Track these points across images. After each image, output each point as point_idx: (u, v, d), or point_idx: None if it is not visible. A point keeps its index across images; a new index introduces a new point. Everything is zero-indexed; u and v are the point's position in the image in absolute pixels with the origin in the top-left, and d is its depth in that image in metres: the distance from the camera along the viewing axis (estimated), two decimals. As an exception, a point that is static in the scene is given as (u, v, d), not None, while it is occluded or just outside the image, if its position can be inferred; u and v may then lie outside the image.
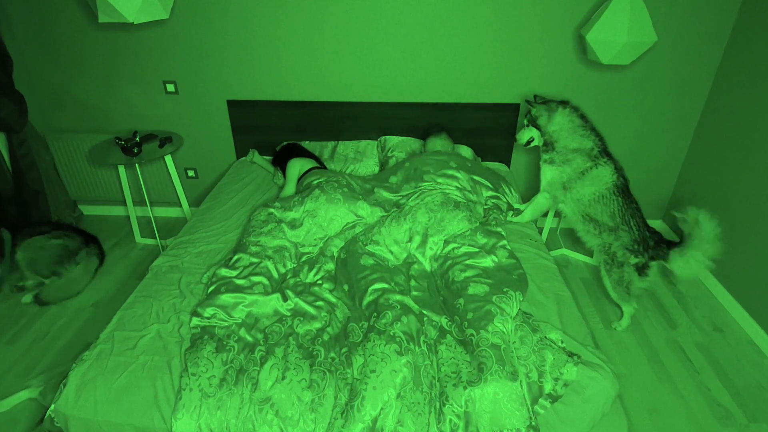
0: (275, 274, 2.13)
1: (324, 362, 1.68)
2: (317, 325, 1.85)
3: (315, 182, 2.61)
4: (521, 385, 1.59)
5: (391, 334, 1.70)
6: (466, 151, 3.08)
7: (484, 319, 1.75)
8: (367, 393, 1.55)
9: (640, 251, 2.37)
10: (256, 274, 2.07)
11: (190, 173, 3.54)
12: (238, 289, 1.97)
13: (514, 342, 1.73)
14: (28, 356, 2.44)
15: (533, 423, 1.53)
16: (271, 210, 2.43)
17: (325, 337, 1.79)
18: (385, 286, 1.95)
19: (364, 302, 1.91)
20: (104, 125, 3.37)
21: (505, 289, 1.89)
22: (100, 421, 1.60)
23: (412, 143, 3.15)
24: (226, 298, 1.91)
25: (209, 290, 2.01)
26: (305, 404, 1.57)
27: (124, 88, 3.22)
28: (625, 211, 2.38)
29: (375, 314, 1.81)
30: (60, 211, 3.43)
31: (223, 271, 2.09)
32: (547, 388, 1.63)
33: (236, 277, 2.06)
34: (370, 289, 1.93)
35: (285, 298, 1.95)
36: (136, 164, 3.06)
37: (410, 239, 2.31)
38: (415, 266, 2.22)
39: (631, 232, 2.38)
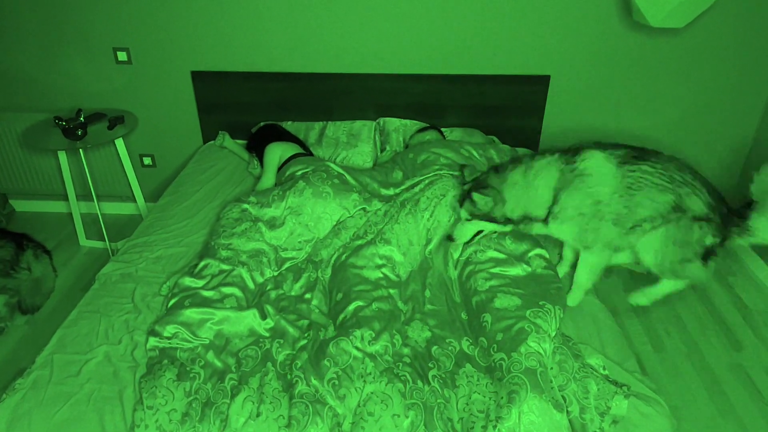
0: (251, 284, 2.12)
1: (306, 393, 1.66)
2: (299, 345, 1.85)
3: (299, 173, 2.60)
4: (566, 418, 1.58)
5: (395, 372, 1.70)
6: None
7: (516, 339, 1.74)
8: None
9: (715, 222, 2.06)
10: (227, 284, 2.06)
11: (147, 161, 3.52)
12: (206, 302, 1.96)
13: (551, 368, 1.72)
14: (-52, 385, 2.43)
15: None
16: (245, 206, 2.42)
17: (303, 357, 1.78)
18: (387, 307, 1.97)
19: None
20: (41, 102, 3.35)
21: (541, 303, 1.88)
22: (35, 465, 1.59)
23: (417, 129, 3.15)
24: (191, 313, 1.90)
25: (170, 304, 2.00)
26: None
27: (65, 56, 3.20)
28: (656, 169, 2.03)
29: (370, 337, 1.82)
30: (-13, 207, 3.42)
31: (187, 281, 2.07)
32: (593, 426, 1.62)
33: (203, 287, 2.04)
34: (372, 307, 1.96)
35: (264, 315, 1.94)
36: (80, 150, 3.04)
37: (428, 241, 2.31)
38: (431, 273, 2.22)
39: (699, 193, 2.04)
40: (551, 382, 1.67)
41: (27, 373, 1.77)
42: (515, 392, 1.58)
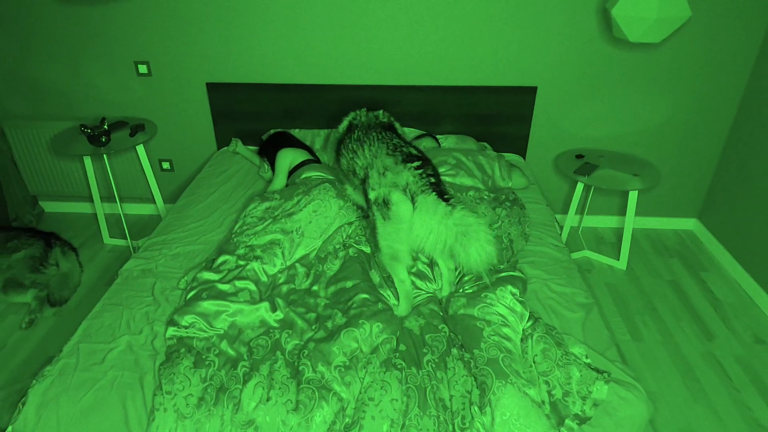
0: (263, 278, 2.11)
1: (313, 380, 1.67)
2: (306, 336, 1.86)
3: (314, 178, 2.60)
4: (537, 395, 1.60)
5: (393, 362, 1.72)
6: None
7: (471, 337, 1.76)
8: (365, 422, 1.56)
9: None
10: (242, 278, 2.06)
11: (165, 165, 3.53)
12: (221, 295, 1.96)
13: (536, 355, 1.73)
14: (-17, 372, 2.44)
15: None
16: (270, 203, 2.43)
17: (311, 346, 1.79)
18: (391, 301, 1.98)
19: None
20: (68, 111, 3.36)
21: (483, 295, 1.88)
22: (63, 445, 1.60)
23: (414, 136, 3.15)
24: (208, 305, 1.90)
25: (189, 296, 2.00)
26: (290, 429, 1.57)
27: (90, 69, 3.21)
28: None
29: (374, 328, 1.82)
30: (18, 208, 3.43)
31: (206, 275, 2.07)
32: (575, 408, 1.63)
33: (219, 281, 2.05)
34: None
35: (274, 308, 1.94)
36: (104, 155, 3.05)
37: None
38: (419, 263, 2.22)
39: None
40: (530, 364, 1.69)
41: (55, 361, 1.78)
42: (485, 383, 1.60)
